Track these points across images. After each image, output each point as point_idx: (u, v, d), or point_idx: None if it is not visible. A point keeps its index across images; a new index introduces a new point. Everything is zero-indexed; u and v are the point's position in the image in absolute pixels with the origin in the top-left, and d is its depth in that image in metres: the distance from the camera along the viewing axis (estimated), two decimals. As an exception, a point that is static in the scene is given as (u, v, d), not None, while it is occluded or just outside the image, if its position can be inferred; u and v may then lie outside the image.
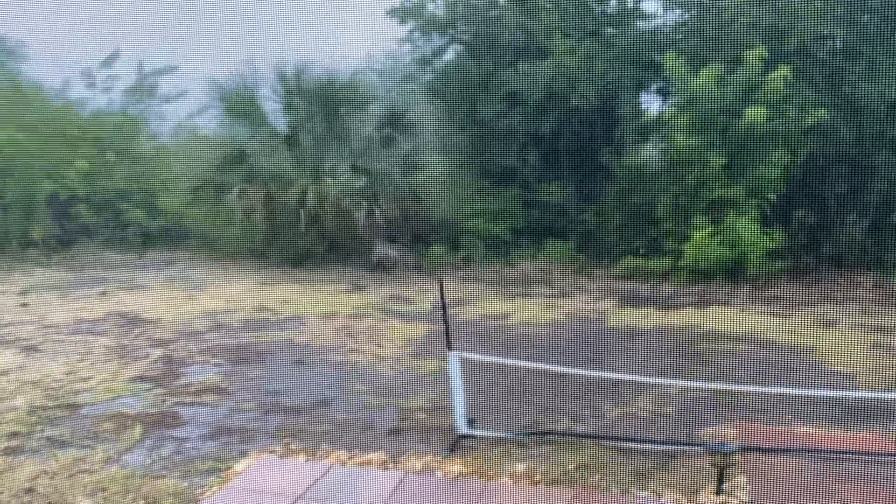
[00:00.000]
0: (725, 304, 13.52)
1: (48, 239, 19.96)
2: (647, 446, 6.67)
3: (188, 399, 8.34)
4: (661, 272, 15.62)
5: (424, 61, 20.31)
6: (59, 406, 8.05)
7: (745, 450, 6.27)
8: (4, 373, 9.30)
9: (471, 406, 7.10)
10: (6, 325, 12.12)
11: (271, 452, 6.70)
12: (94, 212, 20.73)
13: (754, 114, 14.50)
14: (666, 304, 13.57)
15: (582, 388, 8.31)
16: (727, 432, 6.90)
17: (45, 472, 6.27)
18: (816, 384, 8.61)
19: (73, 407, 8.04)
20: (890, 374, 9.14)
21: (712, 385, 8.22)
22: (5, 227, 19.78)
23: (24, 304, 13.82)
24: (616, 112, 17.84)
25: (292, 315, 12.89)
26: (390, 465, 6.33)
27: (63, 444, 6.95)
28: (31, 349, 10.54)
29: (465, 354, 7.22)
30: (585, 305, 13.61)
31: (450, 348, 7.05)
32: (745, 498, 5.63)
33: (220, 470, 6.34)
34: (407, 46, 20.76)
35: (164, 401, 8.27)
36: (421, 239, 18.31)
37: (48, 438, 7.10)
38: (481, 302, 13.82)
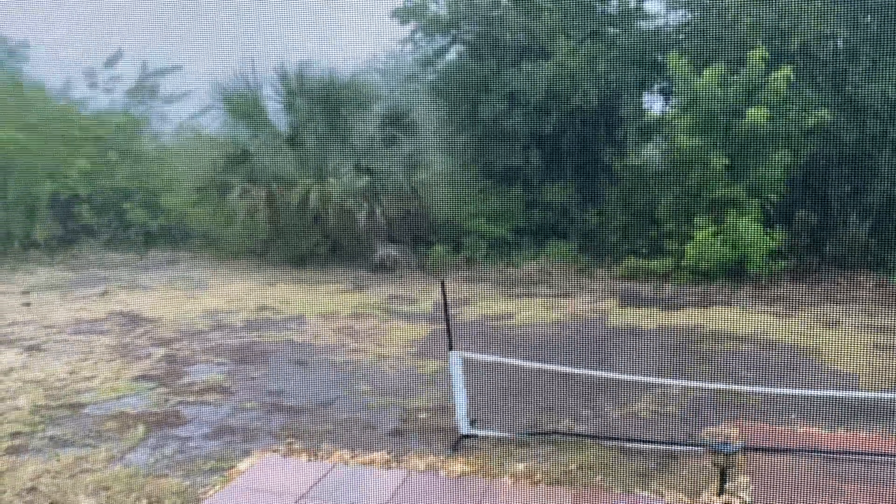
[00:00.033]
0: (727, 304, 13.52)
1: (50, 239, 19.98)
2: (649, 446, 6.67)
3: (191, 398, 8.35)
4: (663, 272, 15.62)
5: (426, 61, 20.31)
6: (61, 405, 8.06)
7: (748, 450, 6.27)
8: (7, 372, 9.32)
9: (473, 406, 7.11)
10: (9, 325, 12.14)
11: (274, 452, 6.71)
12: (95, 212, 20.75)
13: (756, 114, 14.50)
14: (668, 305, 13.56)
15: (584, 388, 8.32)
16: (729, 432, 6.89)
17: (48, 472, 6.28)
18: (819, 384, 8.60)
19: (76, 406, 8.05)
20: (892, 374, 9.13)
21: (714, 385, 8.22)
22: (7, 227, 19.80)
23: (27, 304, 13.84)
24: (618, 112, 17.84)
25: (294, 315, 12.91)
26: (393, 465, 6.34)
27: (65, 444, 6.96)
28: (33, 349, 10.56)
29: (467, 354, 7.22)
30: (587, 305, 13.61)
31: (451, 348, 7.05)
32: (748, 498, 5.63)
33: (222, 469, 6.35)
34: (409, 46, 20.79)
35: (166, 400, 8.28)
36: (423, 239, 18.32)
37: (51, 438, 7.12)
38: (483, 302, 13.83)
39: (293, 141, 18.86)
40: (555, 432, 7.09)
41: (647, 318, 12.25)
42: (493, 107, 18.29)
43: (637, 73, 17.91)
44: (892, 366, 9.47)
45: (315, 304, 13.69)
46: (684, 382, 8.26)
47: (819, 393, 7.86)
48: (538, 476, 6.03)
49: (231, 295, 14.60)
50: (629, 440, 6.82)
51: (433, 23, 19.68)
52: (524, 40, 18.72)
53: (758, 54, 14.73)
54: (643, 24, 18.85)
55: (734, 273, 15.06)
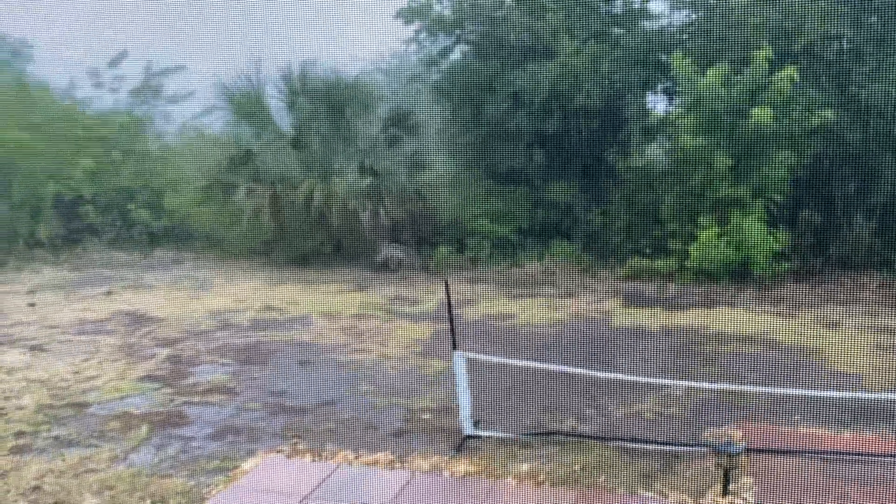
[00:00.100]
0: (731, 304, 13.50)
1: (55, 239, 20.03)
2: (653, 447, 6.67)
3: (195, 398, 8.37)
4: (667, 273, 15.59)
5: (430, 61, 20.30)
6: (65, 405, 8.09)
7: (751, 451, 6.26)
8: (11, 372, 9.35)
9: (476, 406, 7.11)
10: (13, 325, 12.17)
11: (278, 452, 6.72)
12: (100, 211, 20.79)
13: (760, 114, 14.46)
14: (671, 305, 13.54)
15: (587, 388, 8.31)
16: (733, 433, 6.87)
17: (52, 471, 6.30)
18: (822, 385, 8.59)
19: (80, 406, 8.07)
20: (897, 375, 9.12)
21: (718, 386, 8.21)
22: (12, 226, 19.85)
23: (32, 304, 13.87)
24: (622, 112, 17.81)
25: (299, 315, 12.92)
26: (397, 465, 6.34)
27: (70, 444, 6.98)
28: (37, 348, 10.59)
29: (471, 355, 7.23)
30: (591, 306, 13.60)
31: (455, 348, 7.06)
32: (752, 499, 5.62)
33: (226, 469, 6.36)
34: (413, 47, 20.79)
35: (171, 400, 8.30)
36: (426, 239, 18.32)
37: (55, 437, 7.14)
38: (487, 302, 13.83)
39: (297, 141, 18.88)
40: (558, 433, 7.09)
41: (651, 319, 12.24)
42: (497, 107, 18.27)
43: (641, 73, 17.87)
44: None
45: (319, 305, 13.70)
46: (688, 383, 8.25)
47: (823, 394, 7.84)
48: (542, 477, 6.04)
49: (235, 295, 14.62)
50: (633, 441, 6.82)
51: (437, 23, 19.67)
52: (528, 40, 18.70)
53: (762, 54, 14.70)
54: (647, 24, 18.83)
55: (738, 274, 15.04)
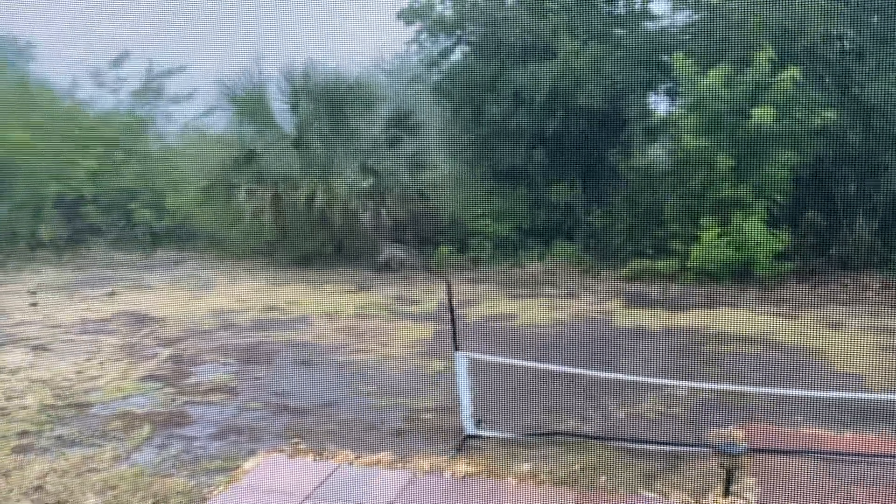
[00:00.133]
0: (733, 305, 13.49)
1: (56, 239, 20.05)
2: (655, 447, 6.66)
3: (197, 398, 8.38)
4: (669, 273, 15.59)
5: (432, 62, 20.32)
6: (68, 405, 8.10)
7: (754, 451, 6.25)
8: (14, 372, 9.36)
9: (478, 406, 7.11)
10: (16, 325, 12.19)
11: (279, 452, 6.73)
12: (102, 212, 20.82)
13: (762, 114, 14.46)
14: (673, 306, 13.54)
15: (589, 388, 8.31)
16: (735, 433, 6.88)
17: (55, 471, 6.31)
18: (824, 385, 8.58)
19: (83, 406, 8.08)
20: (899, 375, 9.11)
21: (720, 386, 8.20)
22: (14, 227, 19.88)
23: (34, 304, 13.89)
24: (624, 112, 17.81)
25: (300, 315, 12.93)
26: (398, 465, 6.34)
27: (72, 443, 6.99)
28: (40, 348, 10.60)
29: (472, 355, 7.23)
30: (593, 306, 13.60)
31: (457, 349, 7.06)
32: (754, 499, 5.62)
33: (228, 469, 6.36)
34: (414, 47, 20.80)
35: (173, 400, 8.30)
36: (428, 239, 18.32)
37: (57, 437, 7.15)
38: (488, 302, 13.83)
39: (299, 141, 18.89)
40: (560, 433, 7.09)
41: (653, 319, 12.24)
42: (498, 107, 18.28)
43: (642, 74, 17.87)
44: (898, 367, 9.45)
45: (320, 305, 13.71)
46: (690, 383, 8.24)
47: (825, 394, 7.83)
48: (543, 477, 6.04)
49: (237, 295, 14.64)
50: (634, 441, 6.81)
51: (438, 23, 19.69)
52: (529, 40, 18.70)
53: (764, 55, 14.69)
54: (649, 25, 18.83)
55: (740, 274, 15.03)
